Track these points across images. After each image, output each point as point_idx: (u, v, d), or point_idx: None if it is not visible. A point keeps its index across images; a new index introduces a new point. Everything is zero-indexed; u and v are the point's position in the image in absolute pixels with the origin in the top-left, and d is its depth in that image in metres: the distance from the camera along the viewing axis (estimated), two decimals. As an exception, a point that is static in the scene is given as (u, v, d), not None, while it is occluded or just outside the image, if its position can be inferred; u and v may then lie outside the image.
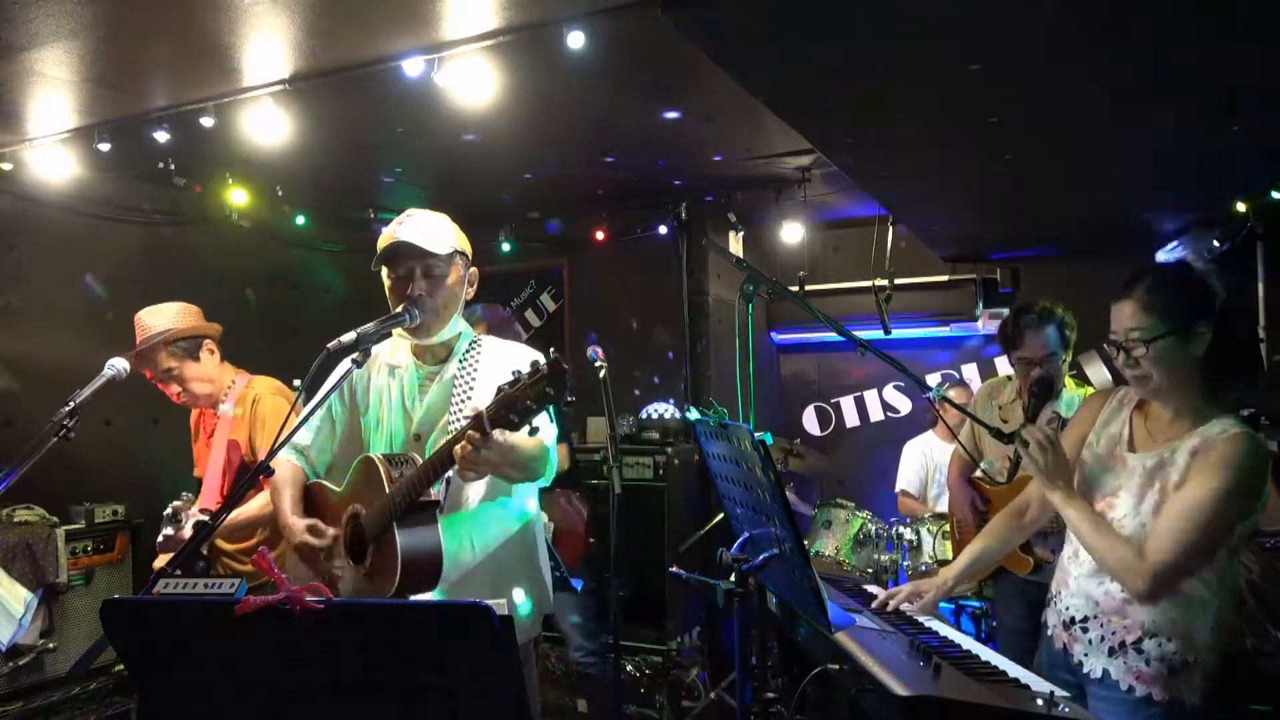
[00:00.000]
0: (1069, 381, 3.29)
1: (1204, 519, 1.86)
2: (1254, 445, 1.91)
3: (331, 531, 2.18)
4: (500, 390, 1.86)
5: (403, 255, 2.19)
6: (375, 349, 2.28)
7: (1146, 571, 1.88)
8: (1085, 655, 2.06)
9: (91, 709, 3.98)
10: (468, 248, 2.31)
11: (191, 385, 3.13)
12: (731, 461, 2.02)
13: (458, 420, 2.20)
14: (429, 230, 2.21)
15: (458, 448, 1.92)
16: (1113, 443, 2.15)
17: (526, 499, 2.34)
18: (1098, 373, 4.64)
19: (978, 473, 3.43)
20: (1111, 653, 2.00)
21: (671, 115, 3.94)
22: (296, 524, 2.22)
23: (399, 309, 2.17)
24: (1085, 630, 2.06)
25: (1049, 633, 2.20)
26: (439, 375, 2.29)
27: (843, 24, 2.42)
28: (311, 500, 2.35)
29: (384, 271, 2.25)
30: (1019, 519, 2.42)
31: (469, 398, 2.23)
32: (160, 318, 3.10)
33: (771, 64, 2.71)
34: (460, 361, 2.29)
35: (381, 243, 2.23)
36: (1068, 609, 2.12)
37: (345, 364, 2.15)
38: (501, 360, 2.30)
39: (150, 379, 3.14)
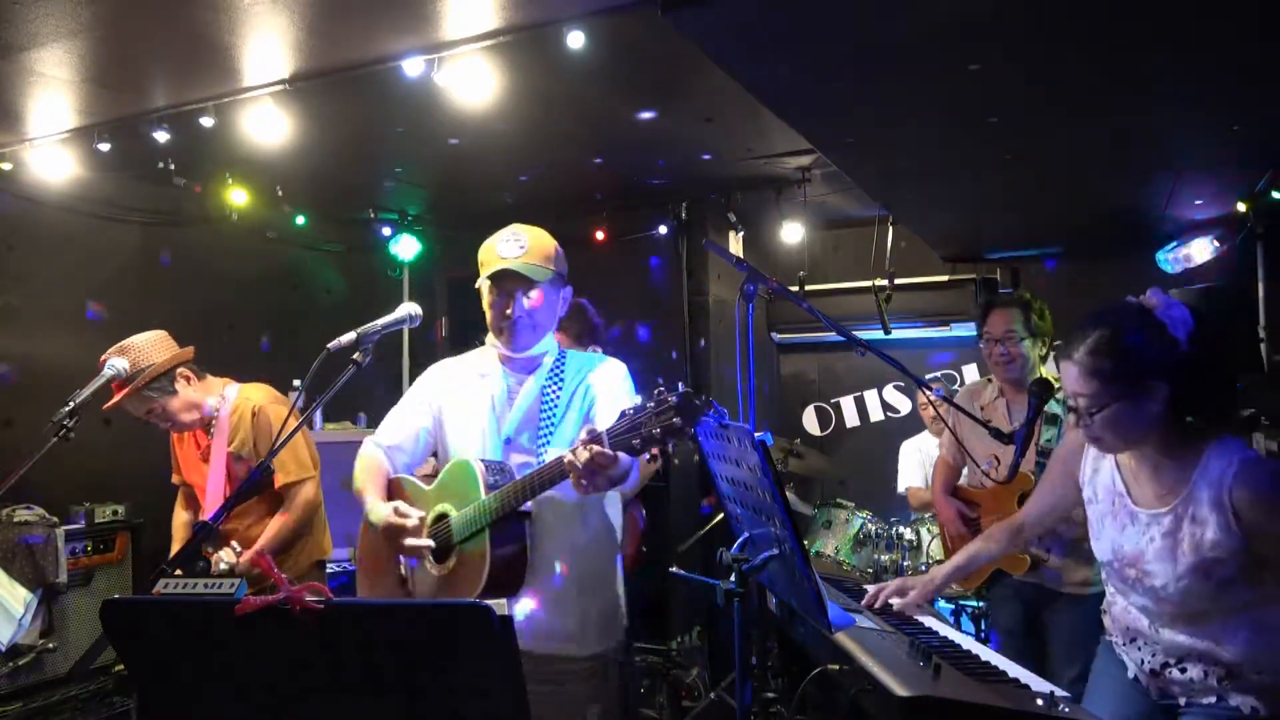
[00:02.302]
0: (1051, 379, 3.26)
1: None
2: (1265, 464, 1.89)
3: (417, 512, 2.18)
4: (624, 415, 1.89)
5: (508, 278, 2.24)
6: (463, 356, 2.40)
7: None
8: (1193, 691, 2.00)
9: (91, 709, 3.98)
10: (565, 266, 2.35)
11: (178, 417, 3.01)
12: (731, 461, 2.02)
13: (549, 427, 2.25)
14: (534, 255, 2.25)
15: (573, 458, 1.92)
16: (1110, 494, 2.08)
17: (614, 506, 2.37)
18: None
19: (962, 479, 3.40)
20: (1220, 681, 1.96)
21: (671, 115, 3.95)
22: (383, 507, 2.22)
23: (401, 309, 2.25)
24: (1184, 671, 1.99)
25: (1131, 674, 2.12)
26: (528, 383, 2.33)
27: (843, 24, 2.42)
28: (394, 495, 2.35)
29: (485, 286, 2.28)
30: (1018, 534, 2.40)
31: (557, 406, 2.29)
32: (129, 358, 2.89)
33: (772, 64, 2.71)
34: (549, 371, 2.34)
35: (485, 257, 2.28)
36: (1154, 655, 2.04)
37: (432, 372, 2.32)
38: (589, 372, 2.35)
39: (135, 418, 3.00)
